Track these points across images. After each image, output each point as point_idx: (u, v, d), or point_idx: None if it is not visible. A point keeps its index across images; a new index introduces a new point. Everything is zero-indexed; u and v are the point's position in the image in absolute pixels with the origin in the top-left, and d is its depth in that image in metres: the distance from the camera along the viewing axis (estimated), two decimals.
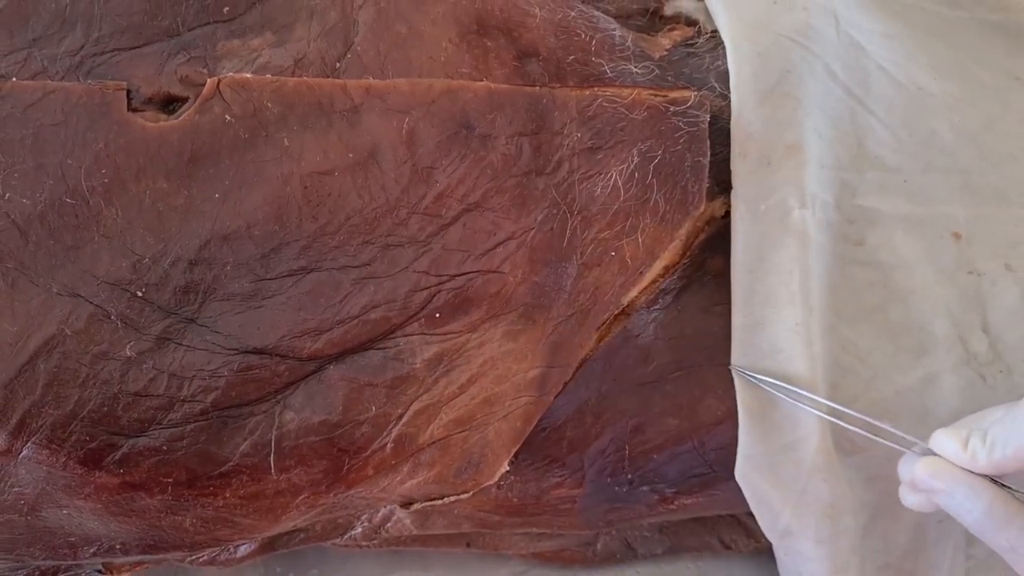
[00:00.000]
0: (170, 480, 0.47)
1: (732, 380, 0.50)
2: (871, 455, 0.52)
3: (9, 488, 0.47)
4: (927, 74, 0.58)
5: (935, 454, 0.44)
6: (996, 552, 0.43)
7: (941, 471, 0.43)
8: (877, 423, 0.48)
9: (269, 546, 0.55)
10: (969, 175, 0.56)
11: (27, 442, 0.46)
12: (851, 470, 0.52)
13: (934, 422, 0.52)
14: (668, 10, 0.59)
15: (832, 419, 0.49)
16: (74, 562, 0.51)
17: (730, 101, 0.52)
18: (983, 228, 0.55)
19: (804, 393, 0.49)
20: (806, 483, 0.50)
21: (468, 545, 0.59)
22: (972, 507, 0.42)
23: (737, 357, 0.50)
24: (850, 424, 0.48)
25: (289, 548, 0.56)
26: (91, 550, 0.50)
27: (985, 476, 0.42)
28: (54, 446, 0.46)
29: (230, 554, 0.54)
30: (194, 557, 0.54)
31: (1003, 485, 0.42)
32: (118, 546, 0.50)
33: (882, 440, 0.47)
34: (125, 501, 0.47)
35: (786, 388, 0.49)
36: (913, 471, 0.44)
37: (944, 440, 0.43)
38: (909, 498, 0.46)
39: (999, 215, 0.55)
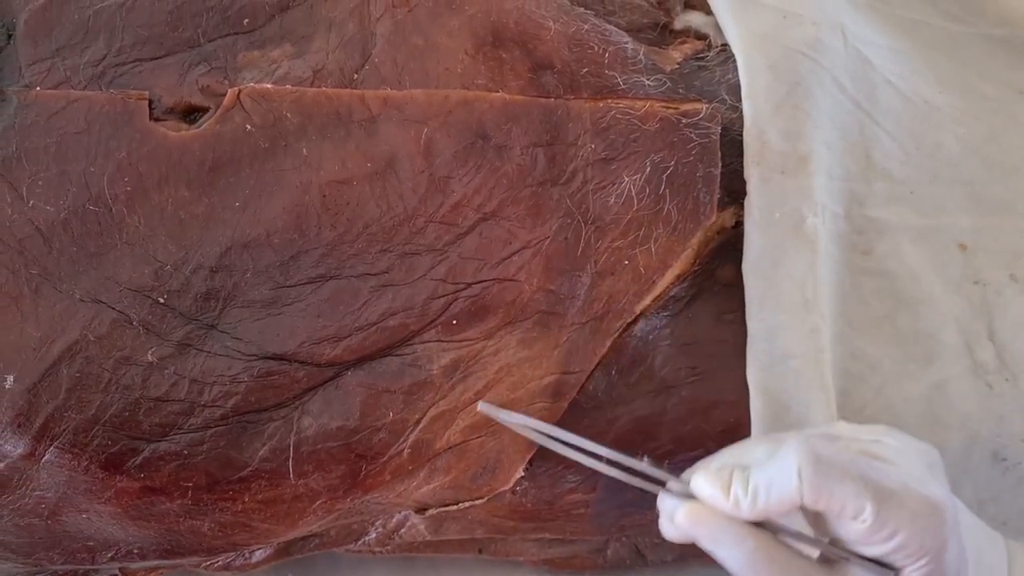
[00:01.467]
0: (190, 484, 0.48)
1: (744, 387, 0.51)
2: None
3: (31, 492, 0.47)
4: (932, 88, 0.59)
5: (689, 492, 0.43)
6: None
7: (703, 518, 0.42)
8: (633, 460, 0.45)
9: (284, 551, 0.56)
10: (974, 186, 0.57)
11: (50, 446, 0.46)
12: None
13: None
14: (678, 24, 0.60)
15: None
16: (92, 567, 0.52)
17: (740, 113, 0.53)
18: (988, 239, 0.56)
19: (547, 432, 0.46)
20: None
21: (480, 551, 0.59)
22: (736, 554, 0.41)
23: (751, 362, 0.51)
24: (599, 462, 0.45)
25: (303, 554, 0.56)
26: (109, 555, 0.50)
27: (746, 522, 0.42)
28: (76, 450, 0.46)
29: (245, 559, 0.55)
30: (210, 562, 0.54)
31: (762, 525, 0.42)
32: (136, 551, 0.50)
33: (641, 484, 0.45)
34: (145, 505, 0.48)
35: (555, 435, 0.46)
36: (675, 516, 0.43)
37: (705, 486, 0.42)
38: (669, 531, 0.45)
39: (1004, 226, 0.56)
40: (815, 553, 0.43)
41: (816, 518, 0.43)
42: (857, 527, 0.40)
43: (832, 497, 0.40)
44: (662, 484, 0.44)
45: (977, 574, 0.43)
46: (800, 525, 0.43)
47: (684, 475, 0.44)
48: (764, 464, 0.42)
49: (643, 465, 0.44)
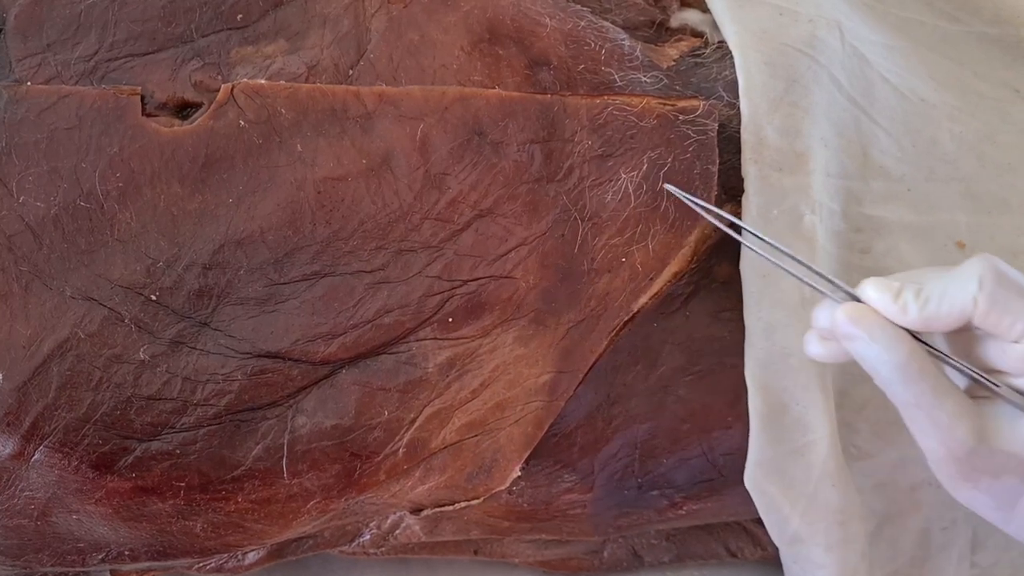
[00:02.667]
0: (183, 484, 0.47)
1: (742, 385, 0.51)
2: (880, 461, 0.52)
3: (20, 492, 0.47)
4: (928, 85, 0.59)
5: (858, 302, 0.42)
6: (906, 420, 0.42)
7: (864, 317, 0.41)
8: (816, 269, 0.44)
9: (277, 553, 0.55)
10: (970, 183, 0.57)
11: (39, 446, 0.45)
12: (859, 476, 0.52)
13: None
14: (674, 22, 0.60)
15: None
16: (82, 569, 0.51)
17: (738, 110, 0.53)
18: (985, 236, 0.56)
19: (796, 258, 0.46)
20: (815, 489, 0.51)
21: (475, 553, 0.58)
22: (888, 358, 0.40)
23: (750, 359, 0.51)
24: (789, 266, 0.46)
25: (297, 555, 0.55)
26: (99, 556, 0.50)
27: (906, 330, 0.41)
28: (66, 450, 0.46)
29: (238, 561, 0.54)
30: (202, 564, 0.54)
31: (921, 341, 0.41)
32: (127, 552, 0.50)
33: (813, 285, 0.44)
34: (136, 505, 0.47)
35: (788, 253, 0.46)
36: (833, 316, 0.42)
37: (874, 289, 0.41)
38: (815, 347, 0.44)
39: (1000, 223, 0.56)
40: (962, 384, 0.42)
41: (964, 349, 0.42)
42: (1019, 351, 0.39)
43: (1006, 311, 0.39)
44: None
45: None
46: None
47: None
48: (939, 276, 0.41)
49: (826, 276, 0.44)
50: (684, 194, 0.49)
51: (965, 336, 0.42)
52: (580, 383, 0.51)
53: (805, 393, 0.50)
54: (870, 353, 0.41)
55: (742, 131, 0.53)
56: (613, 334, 0.51)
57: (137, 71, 0.50)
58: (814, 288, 0.45)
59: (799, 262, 0.45)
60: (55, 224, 0.46)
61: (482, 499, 0.52)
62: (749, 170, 0.52)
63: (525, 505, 0.53)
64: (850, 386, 0.52)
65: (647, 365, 0.52)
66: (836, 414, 0.51)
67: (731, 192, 0.53)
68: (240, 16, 0.52)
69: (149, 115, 0.49)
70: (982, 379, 0.41)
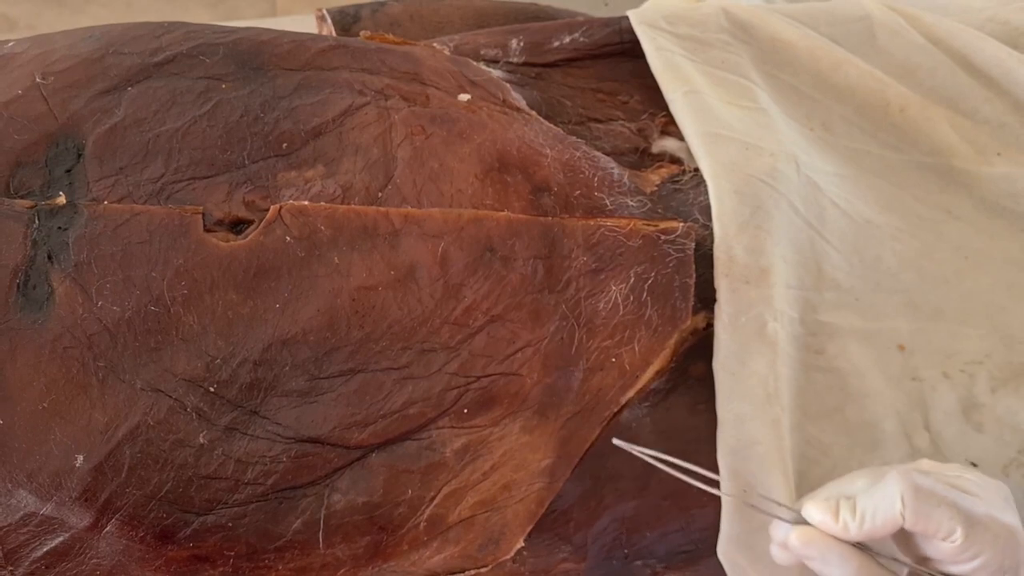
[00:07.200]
0: (232, 553, 0.54)
1: (715, 469, 0.58)
2: None
3: (89, 560, 0.53)
4: (873, 208, 0.68)
5: (805, 520, 0.51)
6: None
7: (814, 540, 0.50)
8: (755, 493, 0.55)
9: None
10: (910, 295, 0.66)
11: (112, 519, 0.52)
12: None
13: None
14: (655, 148, 0.69)
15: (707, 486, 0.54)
16: None
17: (711, 231, 0.62)
18: (923, 341, 0.64)
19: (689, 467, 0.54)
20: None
21: None
22: (844, 572, 0.49)
23: (721, 447, 0.59)
24: (724, 491, 0.56)
25: None
26: None
27: (851, 543, 0.49)
28: (135, 522, 0.52)
29: None
30: None
31: (863, 548, 0.50)
32: None
33: (758, 508, 0.53)
34: (191, 572, 0.54)
35: (673, 462, 0.54)
36: (787, 539, 0.51)
37: (815, 511, 0.50)
38: (780, 556, 0.53)
39: (937, 329, 0.65)
40: (904, 572, 0.50)
41: (904, 541, 0.51)
42: (947, 547, 0.48)
43: (929, 520, 0.48)
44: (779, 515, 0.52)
45: None
46: (889, 547, 0.51)
47: (795, 505, 0.52)
48: (868, 492, 0.49)
49: (757, 498, 0.54)
50: (634, 447, 0.55)
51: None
52: (576, 466, 0.58)
53: (768, 476, 0.58)
54: (825, 569, 0.50)
55: (715, 249, 0.61)
56: (604, 424, 0.59)
57: (198, 192, 0.58)
58: (765, 512, 0.53)
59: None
60: (128, 326, 0.54)
61: (490, 567, 0.59)
62: (720, 283, 0.61)
63: (527, 573, 0.60)
64: (806, 469, 0.60)
65: None
66: (795, 494, 0.59)
67: (705, 301, 0.61)
68: (285, 145, 0.60)
69: (209, 231, 0.56)
70: (921, 571, 0.50)
